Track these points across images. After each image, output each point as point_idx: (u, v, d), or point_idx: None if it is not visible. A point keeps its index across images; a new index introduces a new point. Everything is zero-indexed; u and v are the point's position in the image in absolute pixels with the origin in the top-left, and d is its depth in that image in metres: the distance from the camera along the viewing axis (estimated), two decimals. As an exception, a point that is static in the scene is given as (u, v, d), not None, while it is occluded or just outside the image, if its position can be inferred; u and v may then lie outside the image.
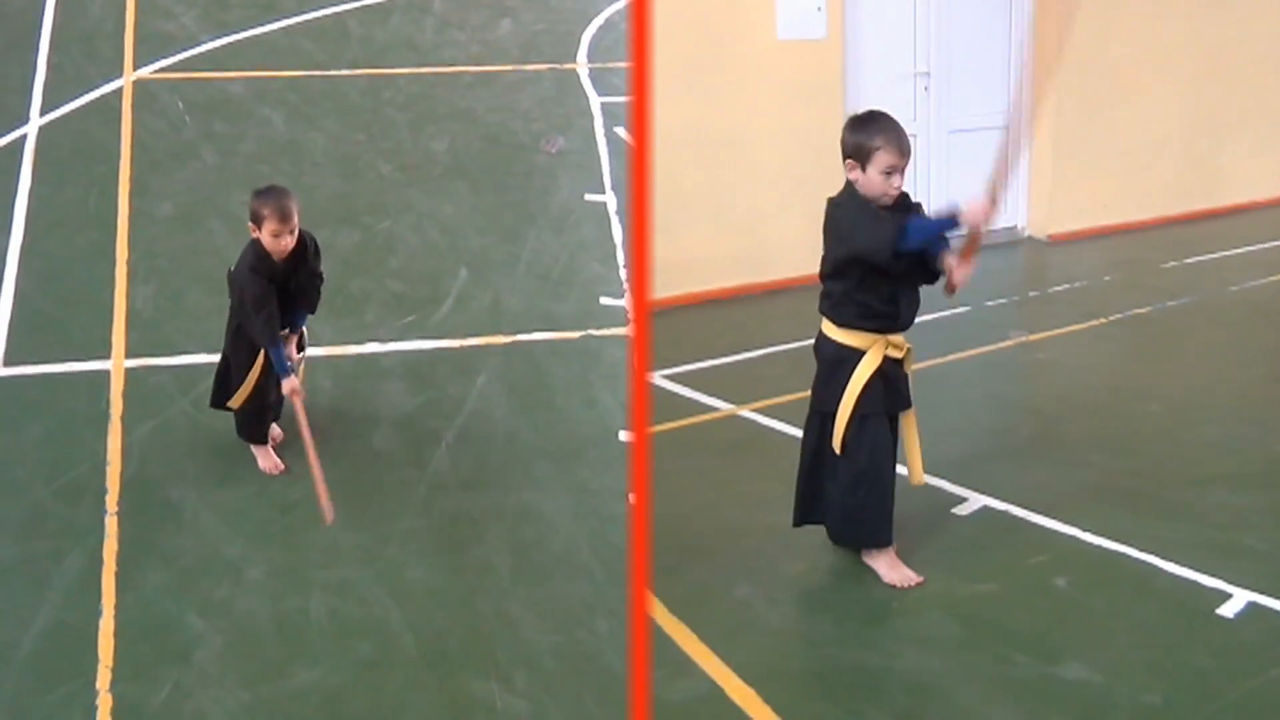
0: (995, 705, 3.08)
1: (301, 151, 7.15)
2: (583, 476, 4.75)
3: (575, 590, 4.12)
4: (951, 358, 5.43)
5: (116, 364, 5.25)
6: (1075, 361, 5.61)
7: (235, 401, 4.59)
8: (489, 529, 4.46)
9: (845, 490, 3.68)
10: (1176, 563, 3.32)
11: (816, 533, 3.95)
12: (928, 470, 4.08)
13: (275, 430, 4.78)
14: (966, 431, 4.64)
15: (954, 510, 3.97)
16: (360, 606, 4.05)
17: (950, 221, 3.49)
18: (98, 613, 3.92)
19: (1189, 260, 7.24)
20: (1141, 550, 3.31)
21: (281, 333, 4.47)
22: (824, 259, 3.64)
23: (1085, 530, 3.83)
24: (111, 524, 4.33)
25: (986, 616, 3.45)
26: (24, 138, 6.93)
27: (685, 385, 5.63)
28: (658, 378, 5.62)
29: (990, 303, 6.29)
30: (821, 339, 3.71)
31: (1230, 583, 3.58)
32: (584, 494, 4.64)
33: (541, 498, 4.64)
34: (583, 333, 5.82)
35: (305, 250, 4.55)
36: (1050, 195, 8.03)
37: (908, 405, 3.66)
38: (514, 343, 5.74)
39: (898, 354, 3.63)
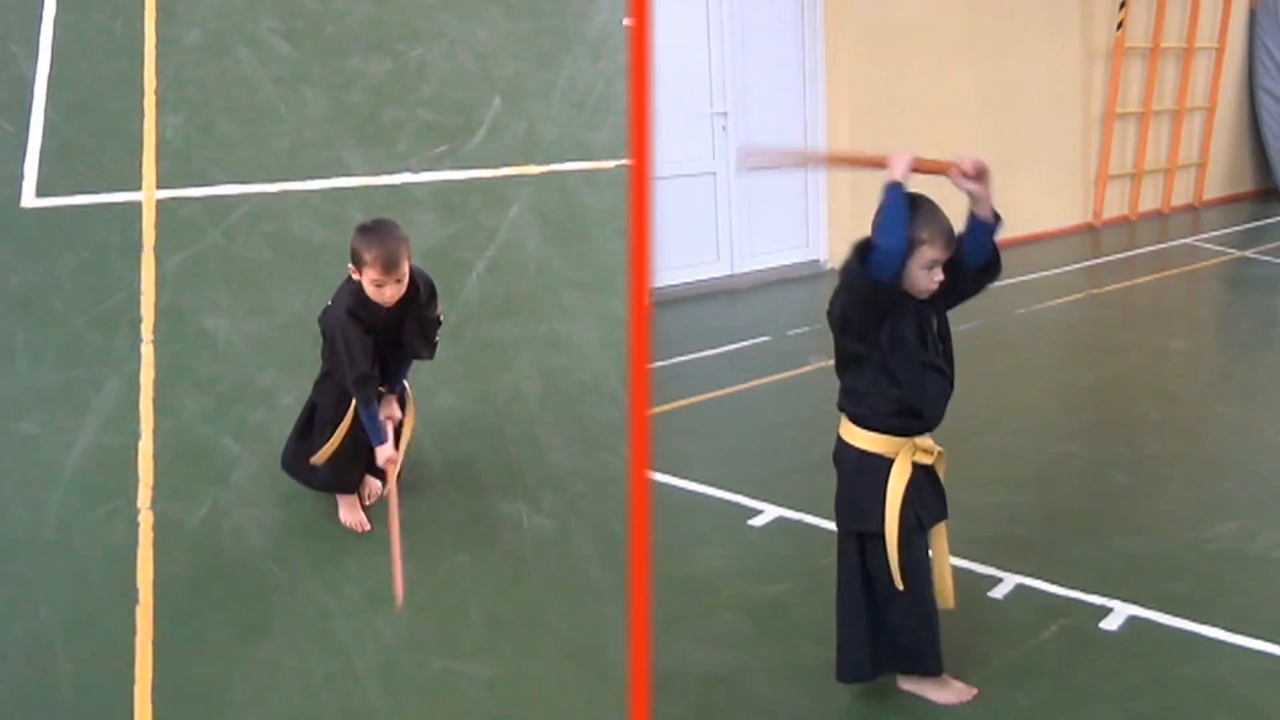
0: (783, 690, 3.25)
1: (331, -24, 6.94)
2: (612, 305, 4.72)
3: (602, 415, 4.14)
4: (753, 383, 5.62)
5: (148, 195, 5.24)
6: None
7: (320, 458, 3.67)
8: (518, 357, 4.47)
9: (909, 623, 3.22)
10: (955, 555, 3.38)
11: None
12: (725, 486, 4.29)
13: (373, 484, 3.84)
14: (765, 451, 4.80)
15: (750, 522, 4.15)
16: (391, 431, 4.10)
17: (895, 197, 2.96)
18: (137, 436, 4.02)
19: None
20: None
21: (380, 389, 3.60)
22: (835, 350, 3.17)
23: None
24: (148, 352, 4.40)
25: (777, 613, 3.61)
26: (49, -35, 6.79)
27: None
28: None
29: (791, 332, 6.61)
30: (841, 445, 3.19)
31: (1001, 569, 3.80)
32: (613, 322, 4.61)
33: (571, 326, 4.62)
34: (617, 162, 5.71)
35: (417, 295, 3.60)
36: (851, 230, 8.24)
37: (943, 516, 3.20)
38: (547, 173, 5.65)
39: (927, 459, 3.10)
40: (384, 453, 3.53)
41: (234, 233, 5.07)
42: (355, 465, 3.71)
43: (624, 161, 5.75)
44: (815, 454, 4.62)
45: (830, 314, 3.04)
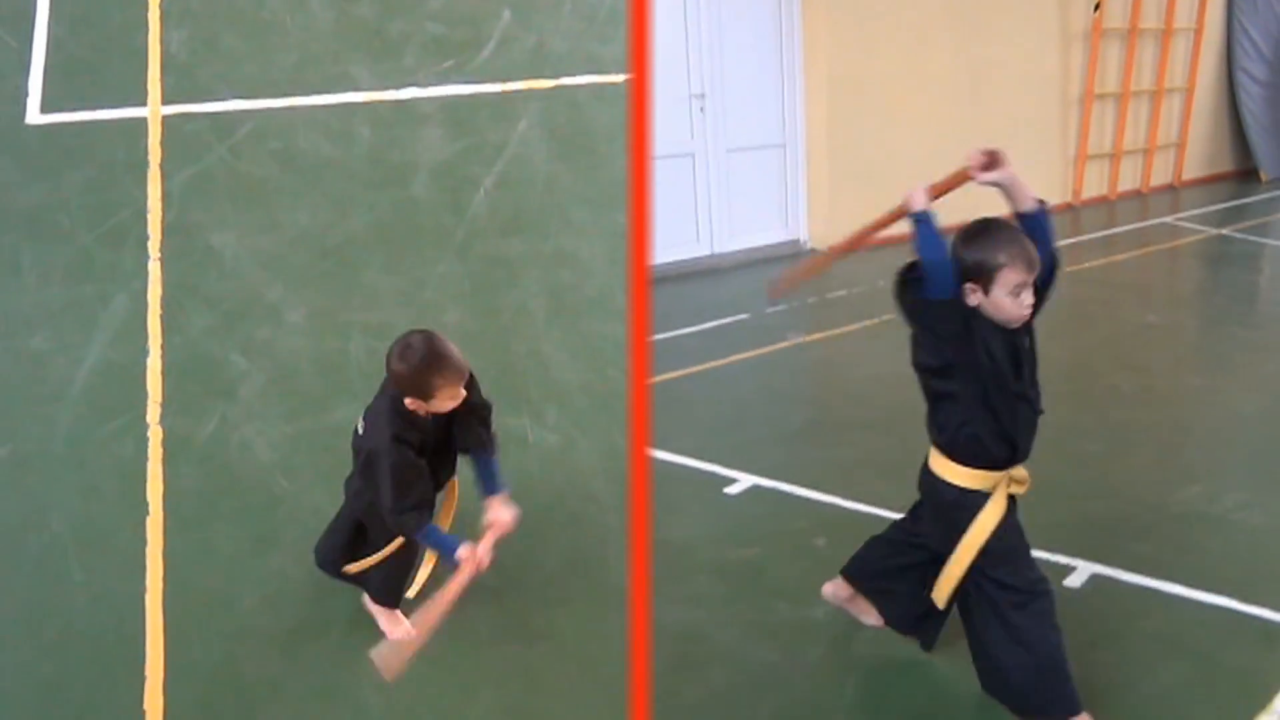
0: (754, 644, 3.31)
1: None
2: (620, 221, 4.68)
3: (608, 331, 4.12)
4: (732, 359, 5.66)
5: (153, 111, 5.20)
6: (844, 357, 6.00)
7: (357, 567, 3.18)
8: (525, 273, 4.44)
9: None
10: None
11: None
12: (702, 457, 4.29)
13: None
14: (741, 422, 4.86)
15: (726, 490, 4.18)
16: (398, 347, 4.10)
17: (924, 228, 2.85)
18: (145, 352, 4.03)
19: None
20: (896, 511, 3.53)
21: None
22: (924, 391, 3.01)
23: (845, 498, 4.08)
24: (155, 268, 4.40)
25: (750, 574, 3.65)
26: (51, -123, 6.67)
27: None
28: None
29: (770, 309, 6.67)
30: (935, 480, 3.01)
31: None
32: (620, 239, 4.57)
33: (579, 242, 4.59)
34: (627, 76, 5.60)
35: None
36: (830, 209, 8.29)
37: None
38: (557, 87, 5.56)
39: (1020, 489, 3.00)
40: (466, 552, 2.91)
41: (240, 149, 5.03)
42: (404, 576, 3.22)
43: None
44: (790, 425, 4.83)
45: (915, 362, 2.92)
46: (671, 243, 7.73)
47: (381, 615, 3.19)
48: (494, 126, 5.28)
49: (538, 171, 5.01)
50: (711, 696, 3.10)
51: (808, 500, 3.90)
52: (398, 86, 5.49)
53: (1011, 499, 2.98)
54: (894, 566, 3.16)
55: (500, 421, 3.79)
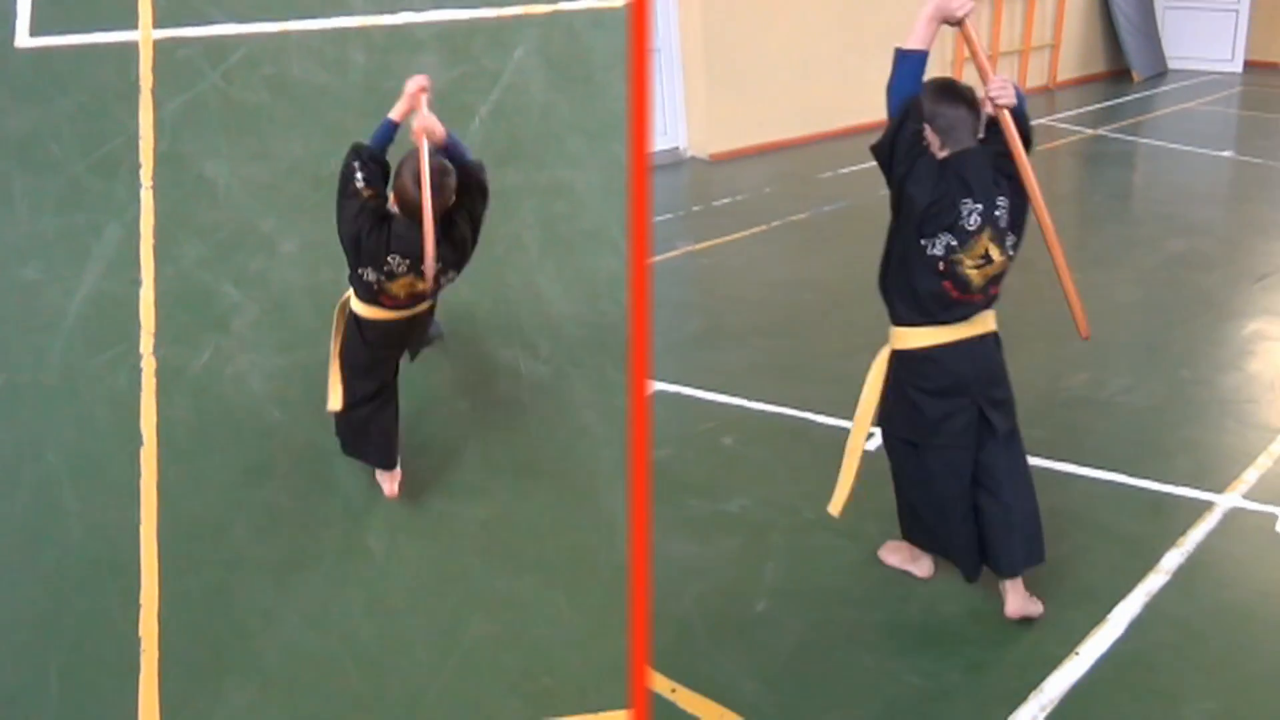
0: (672, 539, 3.47)
1: None
2: (617, 152, 4.62)
3: (602, 264, 4.10)
4: None
5: (144, 35, 5.11)
6: (738, 264, 6.09)
7: (333, 403, 3.43)
8: (520, 204, 4.40)
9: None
10: (827, 415, 3.75)
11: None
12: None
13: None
14: None
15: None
16: (391, 278, 4.08)
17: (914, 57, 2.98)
18: (138, 282, 4.02)
19: (843, 171, 7.68)
20: (798, 410, 3.76)
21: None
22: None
23: (749, 399, 4.29)
24: (147, 198, 4.36)
25: (662, 473, 3.80)
26: None
27: None
28: None
29: (658, 218, 6.73)
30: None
31: (872, 426, 3.84)
32: (617, 169, 4.52)
33: (574, 174, 4.53)
34: (625, 1, 5.50)
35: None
36: (708, 116, 8.25)
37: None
38: (554, 12, 5.44)
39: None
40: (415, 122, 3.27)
41: (233, 75, 4.96)
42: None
43: None
44: (687, 333, 4.97)
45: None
46: None
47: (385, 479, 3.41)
48: (489, 53, 5.18)
49: (534, 100, 4.93)
50: None
51: (712, 402, 4.11)
52: (392, 10, 5.38)
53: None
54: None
55: (492, 353, 3.81)
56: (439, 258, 3.14)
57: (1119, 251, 6.44)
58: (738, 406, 4.26)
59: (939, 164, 2.99)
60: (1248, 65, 11.92)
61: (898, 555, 3.39)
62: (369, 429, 3.36)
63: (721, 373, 4.57)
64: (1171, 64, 11.96)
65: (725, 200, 7.11)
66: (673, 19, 7.92)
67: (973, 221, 2.97)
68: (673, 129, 8.20)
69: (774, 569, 3.36)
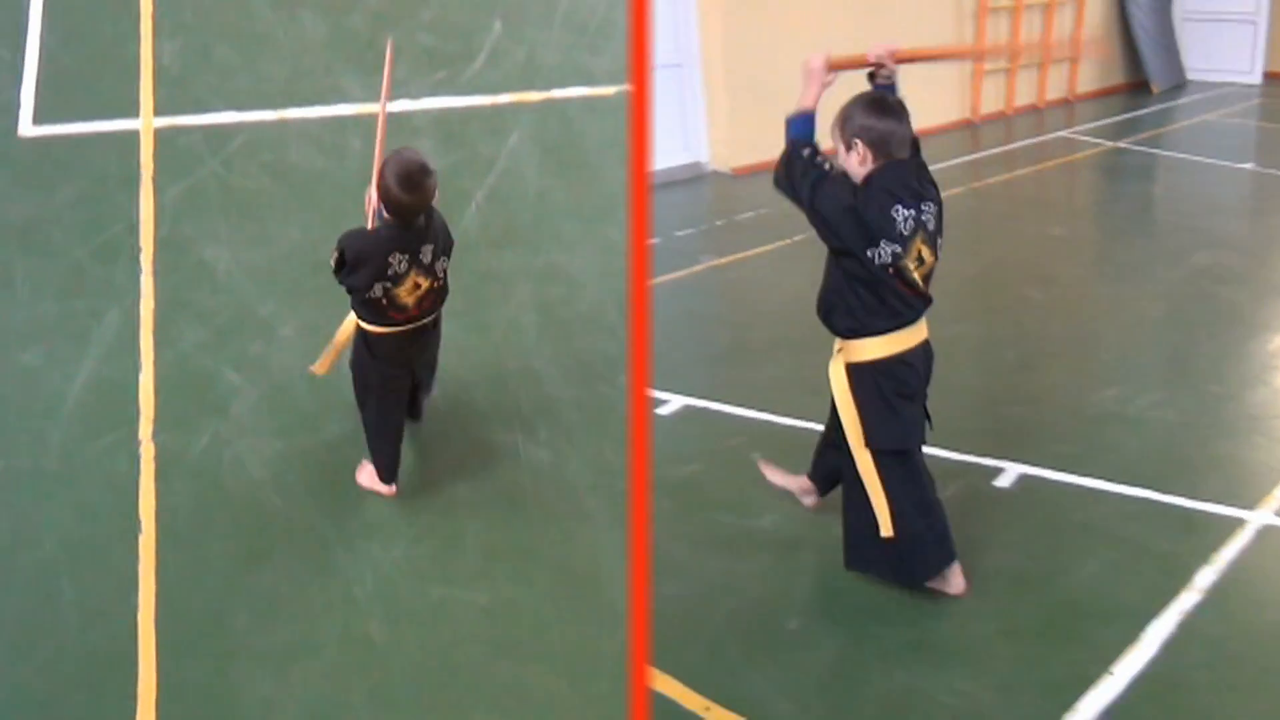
0: (703, 555, 3.51)
1: (327, -104, 6.79)
2: (611, 236, 4.69)
3: (599, 347, 4.14)
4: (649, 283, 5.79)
5: (146, 123, 5.20)
6: (761, 278, 6.11)
7: (318, 367, 3.76)
8: (517, 288, 4.46)
9: None
10: None
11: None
12: None
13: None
14: (667, 346, 5.04)
15: (659, 411, 4.40)
16: (390, 362, 4.12)
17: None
18: (137, 367, 4.04)
19: None
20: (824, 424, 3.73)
21: None
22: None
23: (776, 414, 4.32)
24: (147, 283, 4.40)
25: (692, 489, 3.86)
26: (42, -114, 6.66)
27: None
28: None
29: (680, 233, 6.74)
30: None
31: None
32: (612, 253, 4.59)
33: (570, 258, 4.60)
34: (619, 88, 5.62)
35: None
36: (730, 130, 8.23)
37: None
38: (548, 100, 5.57)
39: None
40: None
41: (233, 162, 5.04)
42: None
43: (626, 88, 5.66)
44: (715, 347, 5.00)
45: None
46: None
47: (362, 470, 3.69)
48: (485, 140, 5.29)
49: (529, 185, 5.02)
50: (665, 605, 3.24)
51: (739, 417, 4.13)
52: (391, 99, 5.49)
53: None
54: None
55: (492, 437, 3.83)
56: (436, 253, 3.51)
57: (1143, 265, 6.40)
58: (765, 421, 4.25)
59: (863, 179, 3.10)
60: (1267, 77, 11.90)
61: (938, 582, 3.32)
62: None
63: (748, 387, 4.54)
64: (1190, 76, 11.92)
65: (748, 214, 7.03)
66: (693, 33, 7.97)
67: (907, 227, 3.08)
68: (694, 144, 8.20)
69: (805, 586, 3.36)
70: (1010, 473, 3.91)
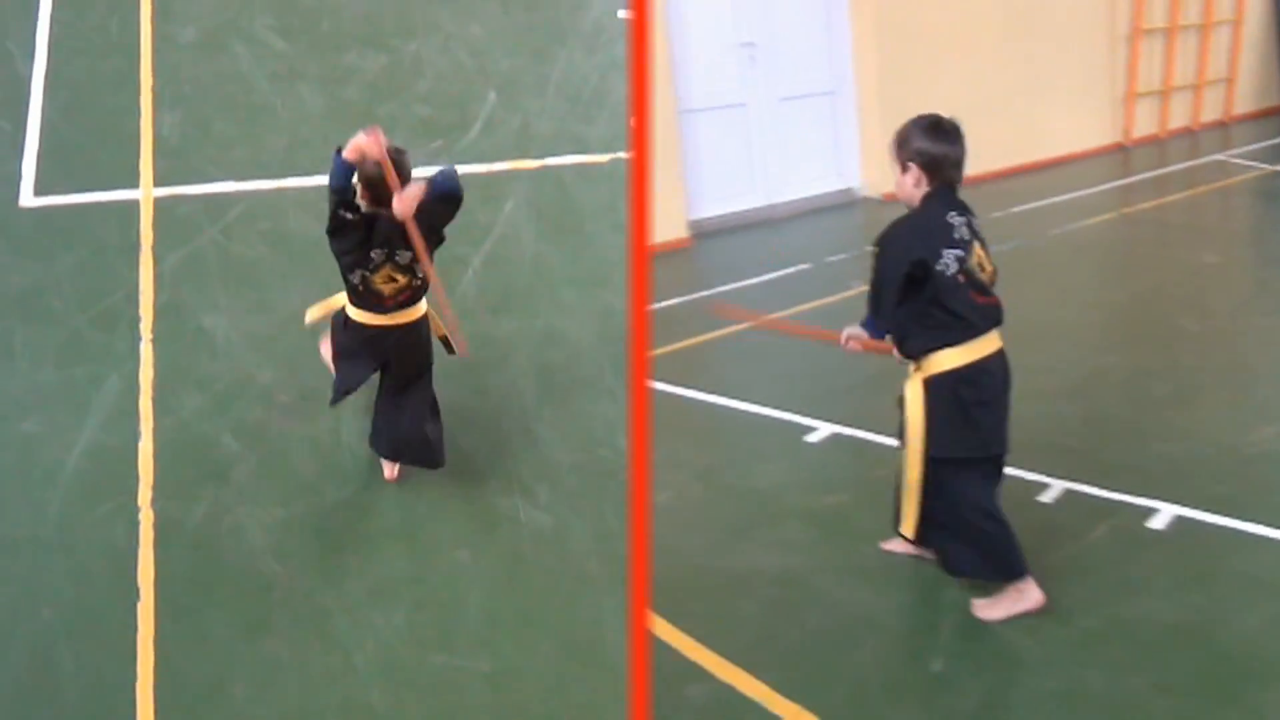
0: (847, 587, 3.49)
1: (325, -29, 6.94)
2: (608, 301, 4.74)
3: (598, 411, 4.16)
4: (798, 309, 5.84)
5: (145, 193, 5.26)
6: None
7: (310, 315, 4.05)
8: (515, 353, 4.49)
9: None
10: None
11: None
12: (780, 406, 4.70)
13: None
14: (814, 372, 5.05)
15: (805, 439, 4.41)
16: (389, 428, 4.13)
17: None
18: (137, 435, 4.04)
19: (1013, 210, 7.62)
20: None
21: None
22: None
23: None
24: (147, 350, 4.42)
25: (838, 519, 3.85)
26: (44, -38, 6.80)
27: None
28: None
29: (830, 258, 6.77)
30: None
31: (1048, 475, 3.99)
32: (609, 318, 4.63)
33: (567, 322, 4.65)
34: (612, 156, 5.72)
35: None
36: (882, 156, 8.47)
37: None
38: (543, 167, 5.66)
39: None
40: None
41: (232, 230, 5.09)
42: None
43: (619, 155, 5.75)
44: (862, 374, 4.72)
45: None
46: (726, 195, 7.79)
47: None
48: (481, 206, 5.35)
49: (526, 251, 5.08)
50: (809, 639, 3.24)
51: (884, 446, 3.93)
52: (387, 168, 5.56)
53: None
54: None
55: (491, 501, 3.83)
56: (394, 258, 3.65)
57: (1305, 295, 6.11)
58: None
59: (923, 202, 3.22)
60: None
61: (1004, 604, 3.30)
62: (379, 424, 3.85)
63: (893, 415, 4.29)
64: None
65: None
66: (847, 60, 8.11)
67: (964, 233, 3.21)
68: (847, 169, 8.30)
69: (950, 626, 3.27)
70: (1164, 514, 3.74)
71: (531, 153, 5.70)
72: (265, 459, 3.99)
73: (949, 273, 3.14)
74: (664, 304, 6.19)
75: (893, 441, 3.73)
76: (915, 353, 3.25)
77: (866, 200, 8.46)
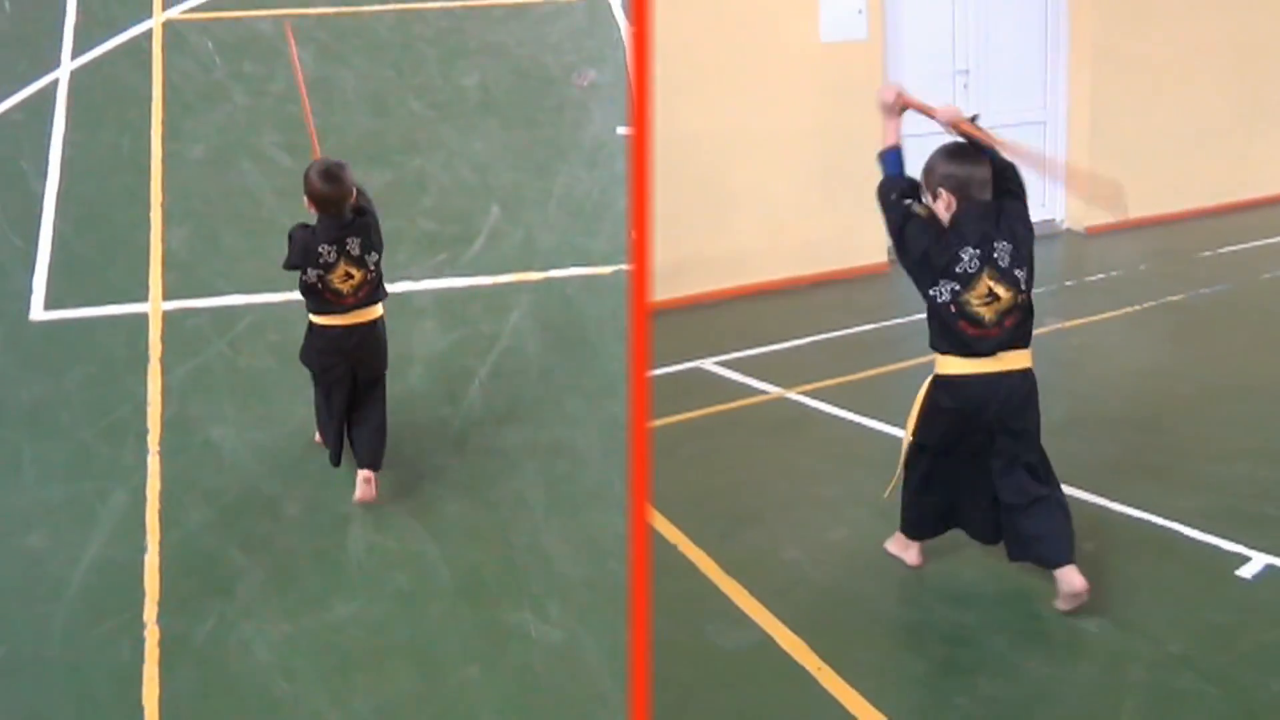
0: (1023, 653, 3.29)
1: (331, 89, 7.12)
2: (615, 412, 4.77)
3: (608, 523, 4.16)
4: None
5: (154, 307, 5.32)
6: (1109, 346, 5.76)
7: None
8: (522, 464, 4.50)
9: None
10: (1199, 529, 3.44)
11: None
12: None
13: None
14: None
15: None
16: (397, 541, 4.12)
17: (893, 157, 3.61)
18: (143, 549, 4.02)
19: (1223, 250, 7.35)
20: (1165, 518, 3.48)
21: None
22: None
23: (1113, 500, 3.99)
24: (154, 463, 4.42)
25: (1017, 576, 3.60)
26: (56, 83, 6.96)
27: (735, 370, 5.81)
28: (710, 364, 5.88)
29: (1033, 291, 6.39)
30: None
31: (1250, 547, 3.73)
32: (616, 429, 4.66)
33: (574, 433, 4.67)
34: (615, 268, 5.80)
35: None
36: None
37: None
38: (546, 279, 5.73)
39: None
40: None
41: (239, 342, 5.13)
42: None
43: (622, 267, 5.84)
44: (1054, 418, 4.07)
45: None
46: None
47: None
48: (487, 318, 5.42)
49: (531, 362, 5.13)
50: (981, 705, 3.07)
51: (1072, 499, 3.66)
52: (392, 280, 5.61)
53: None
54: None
55: (501, 616, 3.81)
56: (365, 247, 4.19)
57: None
58: (1099, 507, 3.90)
59: (949, 222, 3.41)
60: None
61: (895, 544, 3.70)
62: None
63: (1084, 467, 4.12)
64: None
65: (1098, 276, 6.68)
66: (1061, 89, 8.03)
67: (972, 266, 3.36)
68: (1051, 200, 8.10)
69: (1133, 710, 3.04)
70: None
71: (535, 265, 5.79)
72: (272, 573, 3.96)
73: (939, 300, 3.39)
74: (855, 330, 6.05)
75: (1080, 493, 3.69)
76: (931, 346, 3.52)
77: (1069, 233, 8.17)
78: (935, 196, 3.43)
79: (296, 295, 5.44)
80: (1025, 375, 3.44)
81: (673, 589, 3.61)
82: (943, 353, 3.45)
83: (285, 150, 6.58)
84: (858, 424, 4.87)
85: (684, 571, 3.79)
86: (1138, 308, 6.02)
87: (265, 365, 5.02)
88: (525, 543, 4.10)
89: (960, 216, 3.39)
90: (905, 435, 3.56)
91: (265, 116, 6.80)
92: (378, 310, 4.31)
